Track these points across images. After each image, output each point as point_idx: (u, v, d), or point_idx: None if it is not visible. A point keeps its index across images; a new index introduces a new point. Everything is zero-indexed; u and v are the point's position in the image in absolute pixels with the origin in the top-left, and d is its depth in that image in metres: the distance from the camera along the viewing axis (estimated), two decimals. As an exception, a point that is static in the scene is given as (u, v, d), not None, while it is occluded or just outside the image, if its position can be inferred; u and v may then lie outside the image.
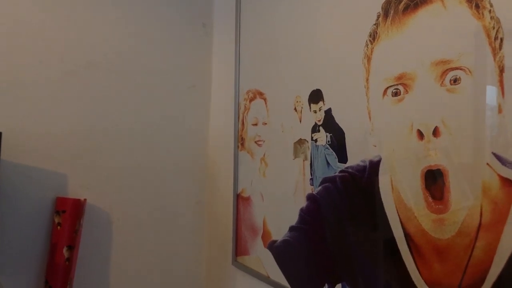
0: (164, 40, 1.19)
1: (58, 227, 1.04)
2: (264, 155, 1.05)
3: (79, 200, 1.05)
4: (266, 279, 1.03)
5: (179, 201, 1.23)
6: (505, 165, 0.60)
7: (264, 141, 1.05)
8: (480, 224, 0.64)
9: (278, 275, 0.99)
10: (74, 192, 1.07)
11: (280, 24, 1.00)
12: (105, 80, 1.11)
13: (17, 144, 0.97)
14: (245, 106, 1.11)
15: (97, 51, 1.09)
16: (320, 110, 0.89)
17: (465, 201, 0.65)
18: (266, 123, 1.04)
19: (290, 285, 0.96)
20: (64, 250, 1.03)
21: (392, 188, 0.76)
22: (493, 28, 0.62)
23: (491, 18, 0.62)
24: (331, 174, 0.87)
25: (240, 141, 1.13)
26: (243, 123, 1.12)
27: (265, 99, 1.04)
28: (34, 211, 1.02)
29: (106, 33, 1.11)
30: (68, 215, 1.04)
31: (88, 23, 1.08)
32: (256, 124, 1.07)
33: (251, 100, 1.09)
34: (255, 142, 1.08)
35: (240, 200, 1.12)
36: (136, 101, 1.16)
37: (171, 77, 1.21)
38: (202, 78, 1.26)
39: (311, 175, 0.92)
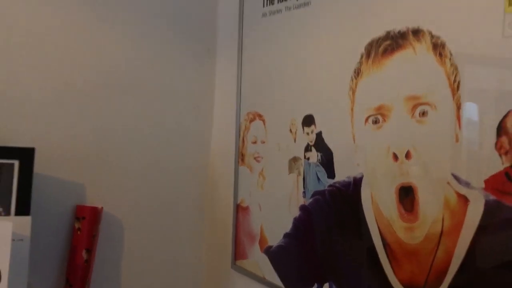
0: (172, 64, 1.32)
1: (78, 232, 1.16)
2: (262, 170, 1.19)
3: (96, 208, 1.18)
4: (262, 280, 1.16)
5: (183, 209, 1.36)
6: (461, 184, 0.75)
7: (262, 158, 1.19)
8: (442, 231, 0.78)
9: (273, 277, 1.13)
10: (91, 200, 1.19)
11: (277, 55, 1.14)
12: (119, 101, 1.24)
13: (46, 158, 1.10)
14: (245, 126, 1.25)
15: (113, 74, 1.22)
16: (312, 132, 1.04)
17: (430, 213, 0.80)
18: (264, 142, 1.18)
19: (284, 285, 1.09)
20: (83, 252, 1.15)
21: (372, 201, 0.90)
22: (453, 73, 0.77)
23: (451, 65, 0.77)
24: (321, 188, 1.01)
25: (240, 157, 1.26)
26: (243, 141, 1.26)
27: (263, 121, 1.18)
28: (58, 217, 1.14)
29: (121, 59, 1.24)
30: (87, 221, 1.16)
31: (104, 50, 1.21)
32: (255, 142, 1.21)
33: (251, 121, 1.23)
34: (254, 158, 1.21)
35: (239, 209, 1.26)
36: (147, 120, 1.29)
37: (177, 98, 1.34)
38: (205, 100, 1.40)
39: (304, 189, 1.06)
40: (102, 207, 1.19)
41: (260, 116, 1.20)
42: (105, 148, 1.22)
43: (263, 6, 1.19)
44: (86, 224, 1.16)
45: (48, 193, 1.11)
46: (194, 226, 1.38)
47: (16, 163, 1.01)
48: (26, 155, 1.01)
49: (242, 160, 1.25)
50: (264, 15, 1.18)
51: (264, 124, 1.18)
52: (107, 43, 1.21)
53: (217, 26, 1.40)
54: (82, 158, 1.18)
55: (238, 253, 1.25)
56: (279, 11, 1.14)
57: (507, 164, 0.69)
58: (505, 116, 0.69)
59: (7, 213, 1.00)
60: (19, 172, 1.00)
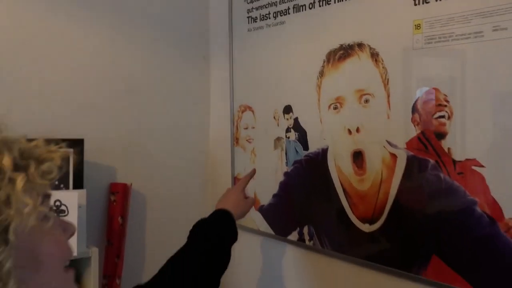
0: (174, 69, 1.67)
1: (114, 203, 1.50)
2: (253, 149, 1.55)
3: (126, 184, 1.52)
4: (257, 232, 1.52)
5: (191, 184, 1.72)
6: (392, 146, 1.12)
7: (253, 139, 1.55)
8: (381, 180, 1.15)
9: (266, 228, 1.49)
10: (122, 179, 1.54)
11: (261, 62, 1.50)
12: (137, 101, 1.58)
13: (88, 147, 1.43)
14: (238, 116, 1.60)
15: (131, 80, 1.56)
16: (290, 118, 1.40)
17: (373, 168, 1.17)
18: (254, 127, 1.54)
19: (274, 232, 1.46)
20: (119, 219, 1.49)
21: (335, 163, 1.27)
22: (384, 73, 1.14)
23: (383, 67, 1.14)
24: (298, 158, 1.38)
25: (235, 140, 1.62)
26: (237, 128, 1.61)
27: (253, 111, 1.54)
28: (98, 192, 1.48)
29: (136, 68, 1.58)
30: (120, 195, 1.50)
31: (125, 63, 1.55)
32: (247, 128, 1.57)
33: (243, 112, 1.59)
34: (246, 140, 1.57)
35: (236, 181, 1.62)
36: (159, 115, 1.63)
37: (178, 97, 1.69)
38: (203, 97, 1.75)
39: (286, 160, 1.42)
40: (131, 184, 1.54)
41: (250, 108, 1.56)
42: (131, 138, 1.56)
43: (248, 23, 1.54)
44: (119, 197, 1.50)
45: (89, 174, 1.45)
46: (200, 195, 1.74)
47: (71, 150, 1.34)
48: (78, 145, 1.35)
49: (237, 142, 1.61)
50: (249, 30, 1.54)
51: (253, 114, 1.54)
52: (127, 57, 1.55)
53: (210, 38, 1.75)
54: (114, 147, 1.52)
55: (236, 215, 1.61)
56: (261, 27, 1.50)
57: (418, 131, 1.07)
58: (416, 101, 1.07)
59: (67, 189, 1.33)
60: (74, 158, 1.34)
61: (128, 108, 1.56)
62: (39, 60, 1.40)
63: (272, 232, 1.47)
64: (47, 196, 0.56)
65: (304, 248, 1.38)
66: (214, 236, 1.04)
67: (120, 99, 1.54)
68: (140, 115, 1.58)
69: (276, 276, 1.48)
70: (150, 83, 1.61)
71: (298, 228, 1.39)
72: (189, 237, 1.05)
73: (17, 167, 0.50)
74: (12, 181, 0.49)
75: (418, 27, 1.07)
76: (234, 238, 1.09)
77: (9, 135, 0.53)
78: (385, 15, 1.14)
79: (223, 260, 1.04)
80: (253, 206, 1.34)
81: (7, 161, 0.50)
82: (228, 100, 1.63)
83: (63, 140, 1.26)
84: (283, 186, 1.44)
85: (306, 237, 1.36)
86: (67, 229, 0.59)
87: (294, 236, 1.40)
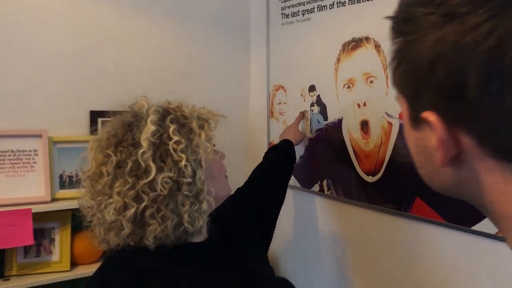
0: (220, 56, 2.06)
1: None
2: (284, 120, 1.93)
3: (185, 147, 1.94)
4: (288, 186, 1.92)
5: (233, 147, 2.12)
6: (389, 116, 1.48)
7: (285, 112, 1.93)
8: (381, 142, 1.52)
9: (294, 182, 1.88)
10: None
11: (292, 50, 1.87)
12: (189, 82, 1.99)
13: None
14: (273, 94, 1.99)
15: (185, 63, 1.97)
16: (314, 95, 1.77)
17: (376, 133, 1.53)
18: (285, 103, 1.92)
19: (301, 185, 1.86)
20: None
21: (348, 130, 1.64)
22: (384, 60, 1.49)
23: (383, 56, 1.49)
24: (320, 127, 1.76)
25: (270, 113, 2.01)
26: (272, 103, 2.00)
27: (285, 90, 1.92)
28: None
29: (189, 54, 1.98)
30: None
31: (182, 49, 1.96)
32: (280, 103, 1.96)
33: (276, 90, 1.97)
34: (279, 113, 1.96)
35: (271, 145, 2.01)
36: (208, 95, 2.04)
37: (225, 79, 2.08)
38: (244, 79, 2.15)
39: (310, 128, 1.80)
40: (188, 147, 1.96)
41: (282, 87, 1.94)
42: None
43: (282, 18, 1.91)
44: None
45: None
46: (242, 159, 2.14)
47: (146, 119, 1.77)
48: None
49: (272, 115, 2.00)
50: (283, 24, 1.91)
51: (285, 92, 1.92)
52: (183, 44, 1.96)
53: (251, 31, 2.14)
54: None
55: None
56: (291, 22, 1.86)
57: (408, 105, 1.43)
58: (406, 82, 1.43)
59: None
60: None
61: (184, 90, 1.97)
62: (117, 50, 1.82)
63: (299, 185, 1.87)
64: (211, 139, 1.03)
65: (323, 196, 1.76)
66: (283, 153, 1.58)
67: (179, 83, 1.95)
68: (190, 93, 1.98)
69: (303, 218, 1.88)
70: (198, 66, 2.01)
71: (319, 181, 1.77)
72: (265, 156, 1.58)
73: (199, 126, 0.98)
74: (199, 135, 0.97)
75: (409, 26, 1.41)
76: (294, 157, 1.61)
77: (187, 105, 1.06)
78: (385, 15, 1.48)
79: (290, 170, 1.60)
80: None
81: (194, 124, 0.97)
82: (265, 81, 2.02)
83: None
84: (308, 149, 1.82)
85: (325, 188, 1.75)
86: (221, 155, 1.11)
87: (316, 187, 1.79)
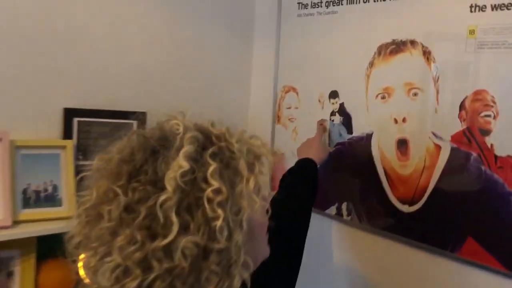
0: (214, 47, 1.75)
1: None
2: (295, 128, 1.66)
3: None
4: (295, 204, 1.66)
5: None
6: (437, 138, 1.25)
7: (295, 119, 1.66)
8: (424, 167, 1.28)
9: (304, 201, 1.63)
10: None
11: (309, 47, 1.59)
12: (188, 75, 1.68)
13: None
14: (281, 96, 1.71)
15: (183, 55, 1.66)
16: (336, 102, 1.51)
17: (417, 155, 1.30)
18: (297, 108, 1.65)
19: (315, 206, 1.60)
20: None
21: (379, 147, 1.39)
22: (435, 71, 1.25)
23: (434, 66, 1.25)
24: (342, 140, 1.50)
25: (277, 118, 1.73)
26: (279, 107, 1.72)
27: (297, 93, 1.65)
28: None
29: (190, 47, 1.67)
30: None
31: (183, 43, 1.64)
32: (290, 108, 1.68)
33: (286, 92, 1.69)
34: (289, 119, 1.69)
35: (275, 155, 1.73)
36: (205, 91, 1.73)
37: (218, 77, 1.78)
38: (244, 77, 1.85)
39: (329, 141, 1.54)
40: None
41: (294, 89, 1.66)
42: (182, 108, 1.66)
43: (298, 9, 1.63)
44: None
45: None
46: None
47: (134, 123, 1.45)
48: (141, 117, 1.45)
49: (279, 120, 1.73)
50: (299, 15, 1.62)
51: (297, 95, 1.65)
52: (183, 36, 1.64)
53: (255, 19, 1.83)
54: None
55: (273, 187, 1.74)
56: (311, 14, 1.58)
57: (464, 127, 1.19)
58: (464, 99, 1.19)
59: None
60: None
61: (178, 85, 1.65)
62: (109, 41, 1.48)
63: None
64: (261, 189, 0.69)
65: (341, 222, 1.52)
66: (310, 182, 1.32)
67: (169, 75, 1.64)
68: (190, 87, 1.68)
69: (313, 244, 1.62)
70: (199, 59, 1.70)
71: (336, 203, 1.52)
72: (287, 186, 1.31)
73: (249, 168, 0.67)
74: (246, 181, 0.66)
75: (472, 33, 1.17)
76: (318, 184, 1.34)
77: (233, 131, 0.72)
78: (441, 18, 1.23)
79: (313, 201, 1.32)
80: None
81: (242, 164, 0.66)
82: (271, 80, 1.73)
83: (133, 113, 1.37)
84: (325, 164, 1.56)
85: (344, 213, 1.50)
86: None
87: (332, 210, 1.54)
